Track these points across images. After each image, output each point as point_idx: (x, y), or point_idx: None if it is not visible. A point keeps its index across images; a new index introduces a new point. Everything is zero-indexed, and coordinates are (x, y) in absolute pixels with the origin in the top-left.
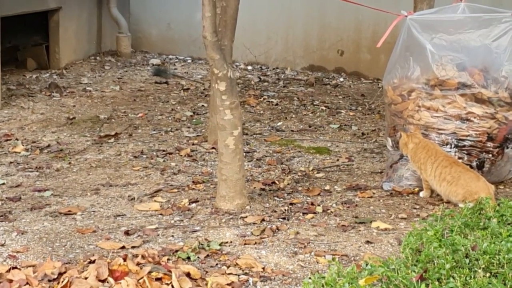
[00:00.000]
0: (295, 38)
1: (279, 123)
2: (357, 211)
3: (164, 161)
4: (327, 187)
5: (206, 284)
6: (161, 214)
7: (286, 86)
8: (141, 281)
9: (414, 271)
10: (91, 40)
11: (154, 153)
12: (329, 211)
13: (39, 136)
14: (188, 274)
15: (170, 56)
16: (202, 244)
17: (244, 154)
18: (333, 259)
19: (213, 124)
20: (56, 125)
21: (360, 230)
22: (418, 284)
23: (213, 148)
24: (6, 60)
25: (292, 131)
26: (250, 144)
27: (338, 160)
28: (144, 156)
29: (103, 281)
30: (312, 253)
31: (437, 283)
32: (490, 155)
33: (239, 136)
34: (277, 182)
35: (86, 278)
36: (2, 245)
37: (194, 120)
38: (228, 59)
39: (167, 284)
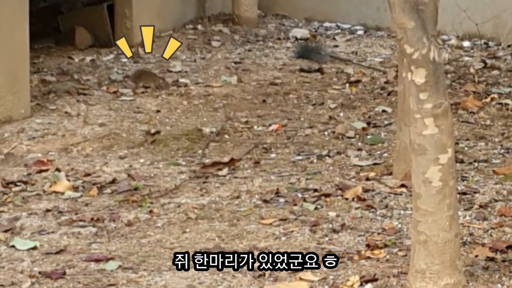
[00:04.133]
0: None
1: None
2: None
3: (316, 208)
4: None
5: None
6: None
7: None
8: None
9: None
10: None
11: (299, 195)
12: None
13: (97, 164)
14: None
15: (326, 24)
16: None
17: (458, 196)
18: None
19: (403, 144)
20: (127, 145)
21: None
22: None
23: (402, 185)
24: (40, 31)
25: None
26: (468, 179)
27: None
28: (282, 200)
29: None
30: None
31: None
32: None
33: (449, 165)
34: None
35: None
36: None
37: (369, 137)
38: (431, 29)
39: None
